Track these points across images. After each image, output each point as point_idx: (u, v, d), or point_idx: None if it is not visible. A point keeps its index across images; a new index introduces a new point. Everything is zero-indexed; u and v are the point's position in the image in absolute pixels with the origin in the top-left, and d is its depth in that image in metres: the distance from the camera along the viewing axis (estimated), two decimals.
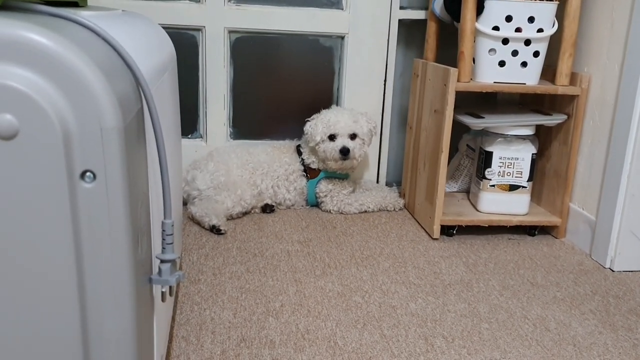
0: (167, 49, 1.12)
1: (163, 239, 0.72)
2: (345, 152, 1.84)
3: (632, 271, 1.58)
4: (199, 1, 1.92)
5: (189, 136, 2.04)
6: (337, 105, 2.08)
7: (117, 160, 0.56)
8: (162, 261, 0.72)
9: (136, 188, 0.63)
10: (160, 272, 0.72)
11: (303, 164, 1.93)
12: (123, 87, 0.61)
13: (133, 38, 0.84)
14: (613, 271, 1.58)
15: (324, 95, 2.09)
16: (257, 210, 1.90)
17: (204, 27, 1.93)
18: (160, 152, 0.67)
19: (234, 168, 1.87)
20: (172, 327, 1.22)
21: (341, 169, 1.91)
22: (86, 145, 0.55)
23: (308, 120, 1.91)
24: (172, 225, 0.72)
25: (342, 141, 1.84)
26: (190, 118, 2.02)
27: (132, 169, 0.61)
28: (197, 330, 1.21)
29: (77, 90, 0.54)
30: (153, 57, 0.90)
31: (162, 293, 0.74)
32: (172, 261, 0.72)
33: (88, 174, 0.56)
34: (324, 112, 1.91)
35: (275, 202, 1.92)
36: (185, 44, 1.94)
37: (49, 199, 0.55)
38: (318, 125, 1.86)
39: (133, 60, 0.65)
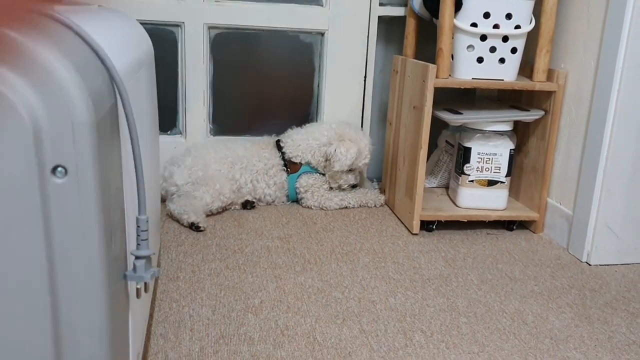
0: (144, 44, 1.11)
1: (138, 235, 0.71)
2: (355, 185, 1.98)
3: (607, 265, 1.60)
4: None
5: (168, 132, 2.02)
6: (317, 98, 2.08)
7: (89, 155, 0.56)
8: (136, 257, 0.71)
9: (109, 183, 0.62)
10: (135, 268, 0.72)
11: (283, 158, 1.92)
12: (95, 82, 0.60)
13: (108, 34, 0.83)
14: (589, 265, 1.60)
15: (304, 92, 2.09)
16: (237, 206, 1.89)
17: (183, 23, 1.91)
18: (134, 148, 0.67)
19: (212, 162, 1.85)
20: (150, 325, 1.21)
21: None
22: (57, 140, 0.54)
23: (337, 145, 1.87)
24: (147, 221, 0.72)
25: (355, 174, 1.95)
26: (170, 114, 2.01)
27: (104, 164, 0.60)
28: (175, 328, 1.20)
29: (47, 85, 0.53)
30: (129, 52, 0.89)
31: (137, 290, 0.73)
32: (147, 257, 0.72)
33: (59, 169, 0.55)
34: (347, 133, 1.90)
35: (255, 198, 1.92)
36: (165, 40, 1.92)
37: (20, 194, 0.54)
38: (350, 155, 1.86)
39: (107, 55, 0.65)
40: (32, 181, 0.54)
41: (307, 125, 1.99)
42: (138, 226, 0.71)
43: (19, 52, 0.54)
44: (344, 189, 1.96)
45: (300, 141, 1.92)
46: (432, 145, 2.05)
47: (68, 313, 0.60)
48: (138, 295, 0.73)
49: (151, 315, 1.24)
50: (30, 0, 0.70)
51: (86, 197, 0.57)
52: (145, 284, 0.73)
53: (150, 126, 1.15)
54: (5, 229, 0.55)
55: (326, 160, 1.90)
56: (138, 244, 0.71)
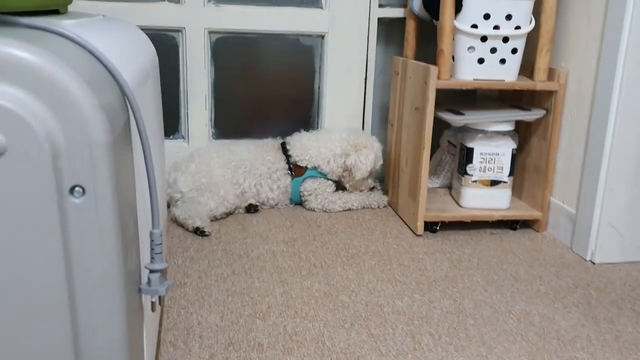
0: (149, 54, 1.11)
1: (152, 249, 0.72)
2: (373, 187, 2.04)
3: (612, 263, 1.61)
4: (179, 2, 1.90)
5: (171, 137, 2.03)
6: (317, 101, 2.09)
7: (106, 174, 0.56)
8: (151, 271, 0.72)
9: (125, 200, 0.63)
10: (149, 281, 0.72)
11: (288, 162, 1.93)
12: (110, 100, 0.61)
13: (116, 46, 0.83)
14: (594, 264, 1.61)
15: (305, 94, 2.10)
16: (241, 210, 1.90)
17: (184, 28, 1.91)
18: (147, 164, 0.67)
19: (216, 168, 1.86)
20: (159, 332, 1.21)
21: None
22: (75, 161, 0.54)
23: (356, 156, 1.91)
24: (161, 235, 0.72)
25: (373, 177, 2.02)
26: (172, 119, 2.01)
27: (120, 182, 0.61)
28: (184, 335, 1.21)
29: (64, 107, 0.54)
30: (136, 64, 0.90)
31: (152, 303, 0.74)
32: (162, 270, 0.72)
33: (77, 189, 0.55)
34: (361, 141, 1.94)
35: (259, 202, 1.92)
36: (165, 46, 1.93)
37: (39, 214, 0.55)
38: (369, 162, 1.91)
39: (119, 72, 0.65)
40: (51, 201, 0.55)
41: (317, 131, 2.02)
42: (152, 240, 0.71)
43: (33, 74, 0.54)
44: (361, 191, 2.00)
45: (310, 147, 1.92)
46: (434, 146, 2.05)
47: (87, 328, 0.60)
48: (153, 308, 0.74)
49: (160, 323, 1.24)
50: (36, 17, 0.70)
51: (103, 215, 0.57)
52: (160, 297, 0.74)
53: (157, 135, 1.15)
54: (25, 247, 0.56)
55: (345, 171, 1.94)
56: (152, 258, 0.72)
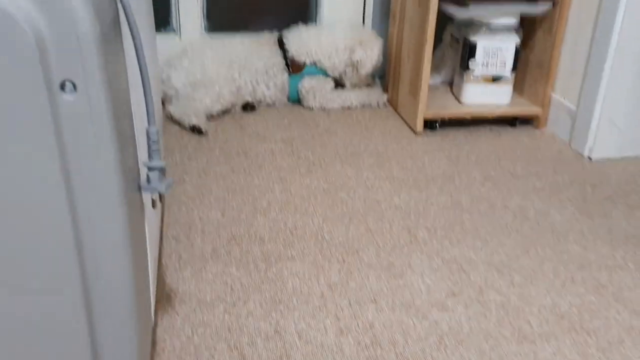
0: None
1: (149, 147, 0.71)
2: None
3: (609, 159, 1.62)
4: None
5: (162, 31, 1.96)
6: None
7: (96, 68, 0.54)
8: (149, 169, 0.72)
9: (118, 96, 0.61)
10: (148, 179, 0.72)
11: (285, 57, 1.88)
12: None
13: None
14: (591, 160, 1.61)
15: None
16: (237, 108, 1.87)
17: None
18: (139, 57, 0.65)
19: (210, 63, 1.81)
20: (161, 228, 1.24)
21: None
22: (63, 54, 0.52)
23: (362, 51, 1.87)
24: (157, 132, 0.71)
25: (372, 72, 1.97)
26: (162, 12, 1.93)
27: (112, 76, 0.59)
28: (186, 230, 1.23)
29: None
30: None
31: (153, 200, 0.74)
32: (160, 168, 0.72)
33: (67, 84, 0.53)
34: (364, 37, 1.89)
35: (255, 99, 1.89)
36: None
37: (30, 112, 0.53)
38: (375, 57, 1.88)
39: None
40: (42, 98, 0.53)
41: (315, 26, 1.94)
42: (148, 137, 0.70)
43: None
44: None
45: (310, 41, 1.86)
46: (437, 40, 1.99)
47: (88, 227, 0.61)
48: (154, 205, 0.74)
49: (162, 219, 1.26)
50: None
51: (97, 111, 0.56)
52: (160, 194, 0.74)
53: (148, 29, 1.11)
54: (19, 148, 0.55)
55: (348, 67, 1.90)
56: (150, 155, 0.71)
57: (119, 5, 0.65)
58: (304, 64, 1.88)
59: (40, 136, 0.55)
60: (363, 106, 1.94)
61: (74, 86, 0.54)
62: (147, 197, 0.78)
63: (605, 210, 1.36)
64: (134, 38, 0.64)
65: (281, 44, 1.89)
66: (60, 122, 0.55)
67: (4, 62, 0.51)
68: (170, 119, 1.76)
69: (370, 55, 1.88)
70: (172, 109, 1.74)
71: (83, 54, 0.52)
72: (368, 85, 1.99)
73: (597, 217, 1.33)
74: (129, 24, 0.64)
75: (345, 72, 1.91)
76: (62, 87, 0.54)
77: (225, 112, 1.84)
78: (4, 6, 0.49)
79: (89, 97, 0.55)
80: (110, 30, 0.59)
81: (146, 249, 0.79)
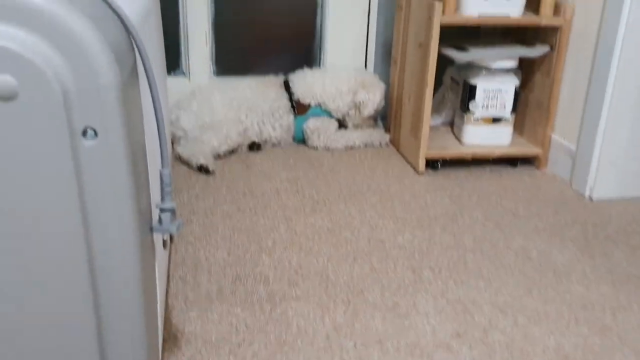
0: None
1: (162, 189, 0.74)
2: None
3: (610, 199, 1.64)
4: None
5: (172, 74, 2.01)
6: (320, 35, 2.06)
7: (117, 115, 0.57)
8: (162, 210, 0.74)
9: (135, 140, 0.64)
10: (160, 220, 0.74)
11: (291, 100, 1.93)
12: (117, 42, 0.61)
13: None
14: (592, 200, 1.63)
15: (307, 29, 2.06)
16: (243, 148, 1.91)
17: None
18: (155, 105, 0.68)
19: (218, 106, 1.86)
20: (168, 268, 1.25)
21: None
22: (85, 103, 0.55)
23: (365, 93, 1.93)
24: (170, 175, 0.74)
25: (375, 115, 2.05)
26: (173, 55, 1.99)
27: (131, 122, 0.61)
28: (193, 270, 1.25)
29: (74, 49, 0.54)
30: (139, 1, 0.88)
31: (164, 241, 0.76)
32: (172, 209, 0.74)
33: (89, 131, 0.56)
34: (367, 80, 1.95)
35: (261, 139, 1.93)
36: None
37: (53, 157, 0.56)
38: (377, 100, 1.94)
39: (124, 12, 0.65)
40: (64, 144, 0.56)
41: (320, 69, 2.01)
42: (162, 180, 0.73)
43: (42, 16, 0.54)
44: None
45: (315, 84, 1.92)
46: (437, 83, 2.04)
47: (103, 266, 0.63)
48: (165, 246, 0.76)
49: (169, 259, 1.28)
50: None
51: (116, 156, 0.58)
52: (171, 235, 0.76)
53: (161, 73, 1.15)
54: (41, 190, 0.57)
55: (351, 109, 1.96)
56: (162, 197, 0.74)
57: (137, 55, 0.68)
58: (309, 105, 1.92)
59: (61, 178, 0.57)
60: (366, 146, 1.98)
61: (95, 132, 0.57)
62: (158, 238, 0.80)
63: (607, 251, 1.37)
64: (150, 86, 0.67)
65: (287, 86, 1.94)
66: (80, 166, 0.58)
67: (31, 110, 0.54)
68: (178, 159, 1.79)
69: (372, 98, 1.93)
70: (181, 149, 1.77)
71: (104, 102, 0.55)
72: (370, 126, 2.03)
73: (599, 258, 1.34)
74: (146, 72, 0.67)
75: (348, 113, 1.96)
76: (84, 133, 0.56)
77: (232, 151, 1.87)
78: (34, 59, 0.52)
79: (109, 142, 0.57)
80: (129, 78, 0.63)
81: (156, 290, 0.80)
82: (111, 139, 0.57)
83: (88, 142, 0.57)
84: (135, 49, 0.68)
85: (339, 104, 1.93)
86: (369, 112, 1.95)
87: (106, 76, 0.56)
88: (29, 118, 0.54)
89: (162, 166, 0.73)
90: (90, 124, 0.56)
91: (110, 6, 0.63)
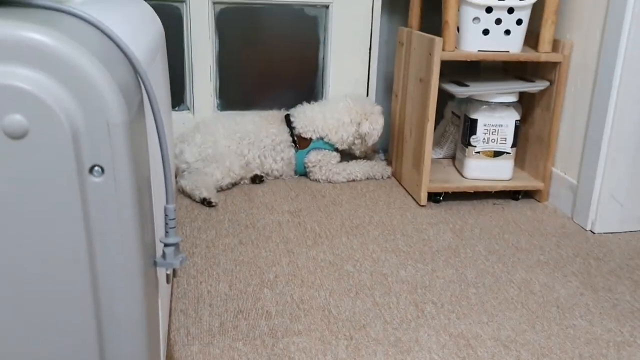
0: (156, 28, 1.12)
1: (166, 223, 0.74)
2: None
3: (612, 233, 1.64)
4: None
5: (176, 108, 2.04)
6: (322, 73, 2.09)
7: (124, 153, 0.58)
8: (166, 245, 0.74)
9: (141, 176, 0.65)
10: (164, 255, 0.75)
11: (292, 134, 1.95)
12: (124, 79, 0.62)
13: (125, 22, 0.84)
14: (594, 233, 1.64)
15: (310, 64, 2.10)
16: (246, 181, 1.92)
17: None
18: (161, 142, 0.69)
19: (221, 139, 1.88)
20: (170, 301, 1.25)
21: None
22: (94, 141, 0.56)
23: (368, 123, 1.96)
24: (175, 210, 0.75)
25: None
26: (177, 90, 2.02)
27: (137, 159, 0.63)
28: (194, 303, 1.25)
29: (82, 88, 0.55)
30: (146, 39, 0.91)
31: (167, 275, 0.76)
32: (176, 244, 0.75)
33: (96, 168, 0.57)
34: (367, 108, 1.97)
35: (263, 172, 1.95)
36: (170, 16, 1.92)
37: (60, 194, 0.57)
38: (380, 128, 1.97)
39: (131, 50, 0.66)
40: (72, 181, 0.57)
41: (319, 102, 2.02)
42: (166, 215, 0.74)
43: (51, 56, 0.55)
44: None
45: (316, 118, 1.94)
46: (438, 116, 2.06)
47: (108, 301, 0.63)
48: (168, 280, 0.77)
49: (171, 292, 1.28)
50: None
51: (122, 193, 0.59)
52: (174, 269, 0.77)
53: (166, 109, 1.17)
54: (48, 225, 0.58)
55: (357, 139, 1.98)
56: (166, 232, 0.74)
57: (144, 92, 0.70)
58: (310, 139, 1.94)
59: (67, 214, 0.58)
60: (367, 178, 1.99)
61: (102, 170, 0.58)
62: (161, 272, 0.80)
63: (610, 285, 1.37)
64: (156, 123, 0.69)
65: (288, 121, 1.96)
66: (86, 202, 0.59)
67: (40, 148, 0.55)
68: (181, 192, 1.81)
69: (376, 127, 1.96)
70: (184, 182, 1.79)
71: (112, 141, 0.57)
72: (371, 158, 2.05)
73: (602, 292, 1.34)
74: (152, 110, 0.68)
75: (354, 142, 1.98)
76: (91, 170, 0.58)
77: (234, 184, 1.89)
78: (45, 99, 0.53)
79: (115, 179, 0.58)
80: (136, 115, 0.64)
81: (159, 324, 0.80)
82: (118, 176, 0.58)
83: (95, 179, 0.58)
84: (143, 87, 0.69)
85: (342, 135, 1.95)
86: (374, 141, 1.98)
87: (115, 115, 0.57)
88: (38, 156, 0.55)
89: (167, 202, 0.74)
90: (98, 162, 0.57)
91: (119, 47, 0.65)
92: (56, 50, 0.55)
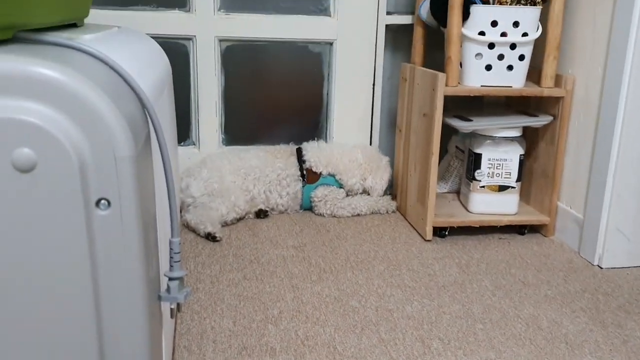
0: (164, 64, 1.14)
1: (171, 257, 0.74)
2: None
3: (619, 268, 1.62)
4: (189, 10, 1.93)
5: (182, 144, 2.05)
6: (326, 107, 2.12)
7: (130, 187, 0.58)
8: (170, 279, 0.74)
9: (147, 210, 0.65)
10: (168, 289, 0.75)
11: (302, 168, 1.95)
12: (132, 114, 0.63)
13: (134, 59, 0.86)
14: (601, 268, 1.62)
15: (314, 100, 2.12)
16: (251, 215, 1.92)
17: (195, 36, 1.94)
18: (167, 176, 0.69)
19: (227, 174, 1.89)
20: (174, 337, 1.24)
21: None
22: (101, 175, 0.57)
23: (372, 178, 2.00)
24: (180, 243, 0.75)
25: None
26: (183, 126, 2.03)
27: (143, 193, 0.63)
28: (198, 340, 1.23)
29: (91, 122, 0.56)
30: (153, 75, 0.92)
31: (171, 310, 0.76)
32: (181, 278, 0.74)
33: (103, 201, 0.58)
34: (375, 160, 2.02)
35: (268, 207, 1.95)
36: (176, 53, 1.95)
37: (67, 226, 0.57)
38: (385, 181, 2.01)
39: (139, 86, 0.67)
40: (78, 214, 0.57)
41: (331, 143, 2.09)
42: (171, 249, 0.74)
43: (61, 91, 0.56)
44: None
45: (331, 155, 1.98)
46: (442, 151, 2.07)
47: (111, 335, 0.63)
48: (172, 315, 0.76)
49: (175, 328, 1.27)
50: (56, 32, 0.72)
51: (128, 226, 0.59)
52: (178, 304, 0.76)
53: (172, 144, 1.18)
54: (54, 257, 0.58)
55: (362, 188, 2.02)
56: (171, 266, 0.74)
57: (151, 127, 0.71)
58: (320, 174, 1.95)
59: (73, 246, 0.58)
60: (372, 213, 1.99)
61: (109, 203, 0.58)
62: (165, 307, 0.80)
63: (620, 320, 1.35)
64: (163, 157, 0.69)
65: (299, 154, 1.97)
66: (92, 234, 0.59)
67: (48, 181, 0.55)
68: (186, 226, 1.81)
69: (379, 182, 2.00)
70: (189, 216, 1.79)
71: (119, 174, 0.57)
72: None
73: (612, 327, 1.32)
74: (159, 144, 0.69)
75: (359, 189, 2.02)
76: (98, 203, 0.58)
77: (239, 219, 1.88)
78: (54, 133, 0.54)
79: (122, 213, 0.59)
80: (143, 149, 0.65)
81: (162, 355, 0.79)
82: (124, 209, 0.58)
83: (101, 212, 0.58)
84: (150, 122, 0.70)
85: (352, 182, 1.99)
86: (378, 194, 2.01)
87: (122, 149, 0.57)
88: (45, 188, 0.55)
89: (172, 235, 0.74)
90: (105, 195, 0.58)
91: (127, 82, 0.66)
92: (65, 84, 0.55)
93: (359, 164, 2.00)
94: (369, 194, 2.03)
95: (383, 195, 2.04)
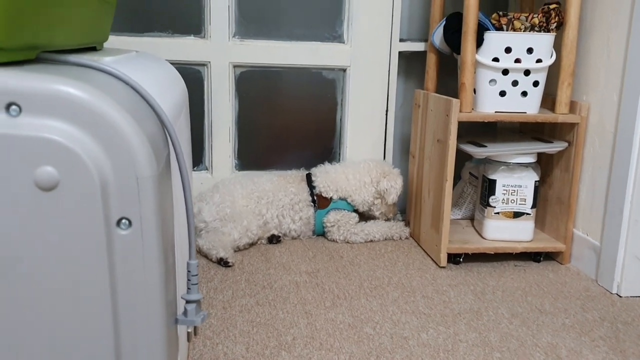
0: (181, 88, 1.15)
1: (188, 280, 0.73)
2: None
3: (639, 296, 1.59)
4: (204, 37, 1.96)
5: (195, 168, 2.06)
6: (339, 134, 2.12)
7: (152, 206, 0.58)
8: (187, 302, 0.73)
9: (166, 231, 0.65)
10: (185, 312, 0.73)
11: (312, 193, 1.95)
12: (153, 135, 0.63)
13: (153, 81, 0.86)
14: (620, 297, 1.59)
15: (328, 126, 2.13)
16: (263, 241, 1.91)
17: (209, 62, 1.96)
18: (186, 197, 0.69)
19: (239, 199, 1.88)
20: None
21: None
22: (123, 194, 0.56)
23: (387, 180, 1.98)
24: (197, 266, 0.74)
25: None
26: (196, 150, 2.04)
27: (163, 213, 0.63)
28: None
29: (114, 141, 0.56)
30: (172, 98, 0.93)
31: (188, 333, 0.75)
32: (198, 301, 0.73)
33: (124, 221, 0.57)
34: (387, 168, 2.00)
35: (281, 232, 1.94)
36: (191, 79, 1.97)
37: (87, 245, 0.57)
38: (399, 186, 1.98)
39: (160, 107, 0.68)
40: (99, 233, 0.56)
41: (340, 163, 2.05)
42: (189, 271, 0.73)
43: (85, 110, 0.57)
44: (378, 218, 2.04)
45: (339, 178, 1.95)
46: (456, 177, 2.06)
47: (129, 356, 0.62)
48: (189, 338, 0.75)
49: (187, 354, 1.25)
50: (78, 54, 0.73)
51: (148, 246, 0.59)
52: (195, 327, 0.75)
53: (188, 167, 1.18)
54: (74, 276, 0.57)
55: (376, 198, 1.99)
56: (189, 288, 0.73)
57: (170, 147, 0.71)
58: (331, 199, 1.94)
59: (93, 265, 0.57)
60: (386, 239, 1.97)
61: (130, 222, 0.58)
62: (182, 330, 0.78)
63: None
64: (182, 178, 0.69)
65: (309, 180, 1.97)
66: (113, 254, 0.58)
67: (69, 200, 0.55)
68: (198, 251, 1.80)
69: (394, 185, 1.96)
70: (201, 241, 1.78)
71: (141, 194, 0.57)
72: (390, 218, 2.04)
73: (633, 358, 1.28)
74: (179, 164, 0.69)
75: (374, 203, 1.98)
76: (119, 223, 0.57)
77: (251, 244, 1.87)
78: (77, 151, 0.54)
79: (142, 232, 0.58)
80: (164, 169, 0.64)
81: None
82: (145, 229, 0.58)
83: (122, 232, 0.57)
84: (170, 142, 0.70)
85: (365, 196, 1.96)
86: (392, 200, 1.97)
87: (144, 168, 0.57)
88: (67, 207, 0.55)
89: (190, 257, 0.73)
90: (126, 214, 0.57)
91: (148, 103, 0.66)
92: (89, 103, 0.56)
93: (369, 177, 1.97)
94: (380, 215, 2.00)
95: (396, 221, 2.03)
